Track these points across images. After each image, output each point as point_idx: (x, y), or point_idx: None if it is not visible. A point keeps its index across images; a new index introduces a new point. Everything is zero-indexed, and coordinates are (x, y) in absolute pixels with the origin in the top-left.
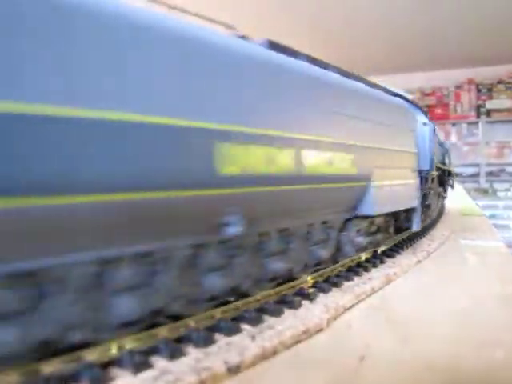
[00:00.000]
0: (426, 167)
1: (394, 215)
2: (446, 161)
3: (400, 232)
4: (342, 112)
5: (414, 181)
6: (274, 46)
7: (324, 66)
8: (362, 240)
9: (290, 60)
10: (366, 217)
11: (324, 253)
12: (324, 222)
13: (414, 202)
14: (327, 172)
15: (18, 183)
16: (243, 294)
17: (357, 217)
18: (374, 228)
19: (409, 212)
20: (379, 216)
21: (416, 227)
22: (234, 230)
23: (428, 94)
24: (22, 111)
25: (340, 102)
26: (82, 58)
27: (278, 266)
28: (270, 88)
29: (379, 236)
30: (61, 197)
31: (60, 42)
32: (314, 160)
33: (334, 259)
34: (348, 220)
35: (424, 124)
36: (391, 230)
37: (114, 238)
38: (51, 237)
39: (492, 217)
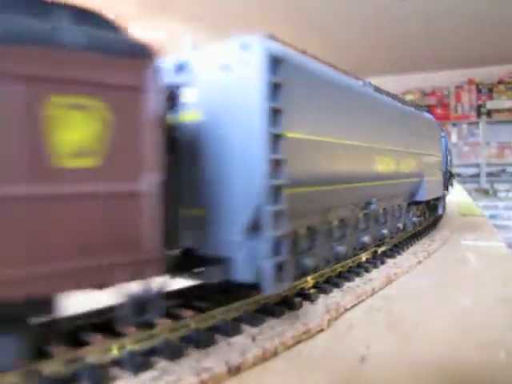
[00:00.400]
0: (444, 168)
1: (426, 203)
2: (449, 163)
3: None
4: (410, 131)
5: (440, 177)
6: (375, 88)
7: (396, 98)
8: (415, 219)
9: (383, 97)
10: (415, 203)
11: (400, 226)
12: (398, 205)
13: (441, 192)
14: (406, 171)
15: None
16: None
17: (412, 203)
18: (419, 212)
19: (436, 201)
20: (421, 203)
21: (441, 211)
22: (374, 206)
23: (428, 94)
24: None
25: (409, 124)
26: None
27: (384, 231)
28: (383, 119)
29: (421, 218)
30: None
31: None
32: (402, 164)
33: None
34: (408, 205)
35: (441, 136)
36: (426, 214)
37: (343, 209)
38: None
39: (492, 217)
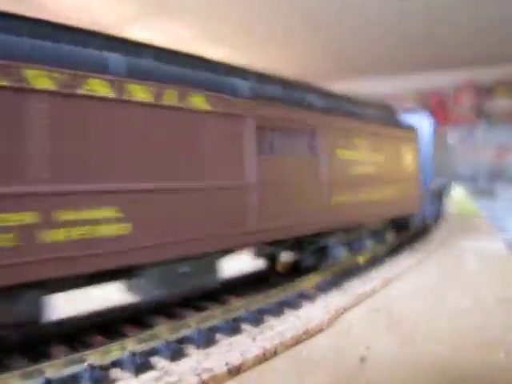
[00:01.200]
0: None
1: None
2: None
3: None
4: (444, 146)
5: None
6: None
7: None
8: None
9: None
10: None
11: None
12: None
13: (452, 188)
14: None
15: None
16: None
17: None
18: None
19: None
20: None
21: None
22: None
23: (428, 96)
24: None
25: (443, 143)
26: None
27: (446, 207)
28: (436, 147)
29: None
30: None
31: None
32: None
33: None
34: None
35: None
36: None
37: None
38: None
39: (491, 218)
